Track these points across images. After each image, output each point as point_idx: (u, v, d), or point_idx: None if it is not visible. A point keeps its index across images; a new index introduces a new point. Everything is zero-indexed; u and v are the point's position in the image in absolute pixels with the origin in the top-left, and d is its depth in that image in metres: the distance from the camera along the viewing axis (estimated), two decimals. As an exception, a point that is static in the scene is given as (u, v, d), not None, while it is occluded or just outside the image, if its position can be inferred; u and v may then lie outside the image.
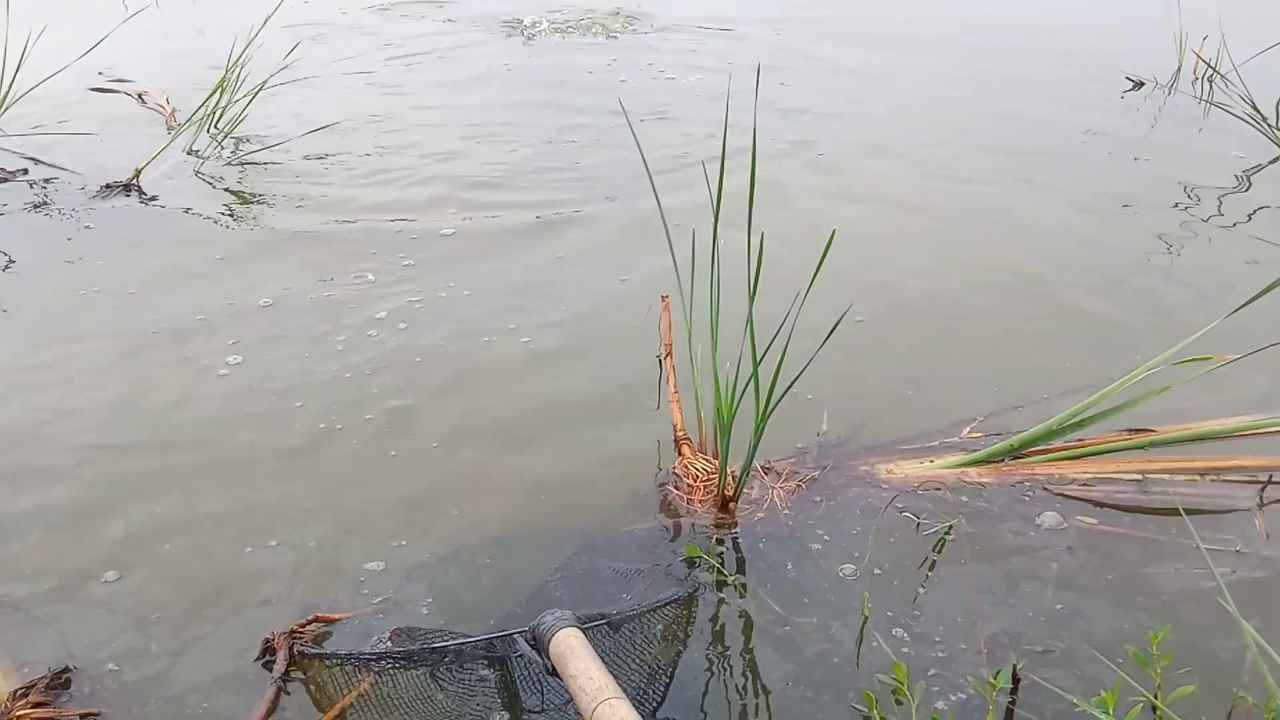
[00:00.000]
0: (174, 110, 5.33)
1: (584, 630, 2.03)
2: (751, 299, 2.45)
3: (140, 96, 5.58)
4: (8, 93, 4.78)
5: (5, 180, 4.62)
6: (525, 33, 7.35)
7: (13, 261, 3.98)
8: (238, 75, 4.96)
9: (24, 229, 4.23)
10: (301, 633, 2.23)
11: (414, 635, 2.15)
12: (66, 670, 2.21)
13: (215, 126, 5.04)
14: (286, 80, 5.49)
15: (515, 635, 2.05)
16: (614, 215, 4.46)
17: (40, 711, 2.10)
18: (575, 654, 1.93)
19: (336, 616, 2.32)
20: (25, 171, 4.71)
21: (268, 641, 2.22)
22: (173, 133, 4.91)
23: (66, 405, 3.14)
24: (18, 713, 2.07)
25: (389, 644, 2.13)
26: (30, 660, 2.24)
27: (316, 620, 2.28)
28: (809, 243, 2.37)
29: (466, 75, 6.53)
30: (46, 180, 4.64)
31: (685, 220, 2.93)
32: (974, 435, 3.02)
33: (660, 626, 2.22)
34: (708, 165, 2.59)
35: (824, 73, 6.68)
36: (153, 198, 4.50)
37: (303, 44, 6.12)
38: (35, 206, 4.41)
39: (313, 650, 2.18)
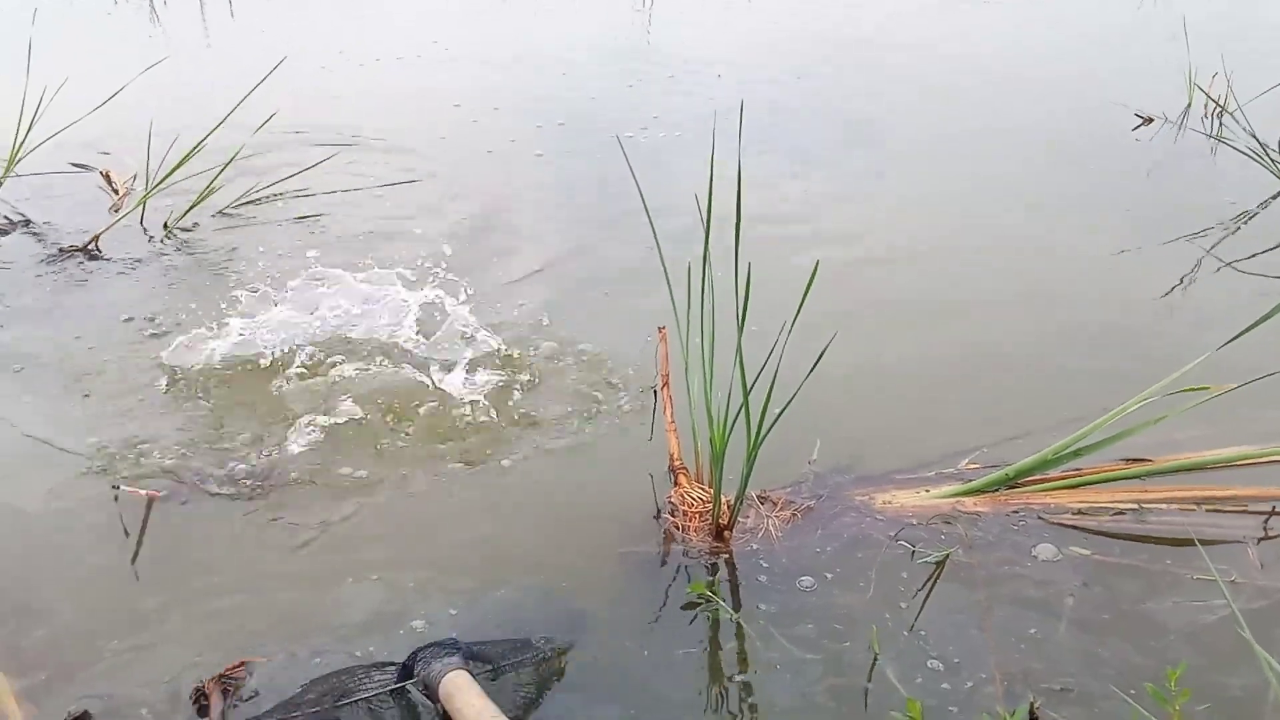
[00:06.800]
0: (126, 195, 5.18)
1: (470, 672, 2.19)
2: (740, 329, 2.48)
3: (106, 176, 5.51)
4: (20, 146, 4.76)
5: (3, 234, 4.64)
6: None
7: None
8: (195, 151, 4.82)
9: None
10: (231, 676, 2.25)
11: (323, 682, 2.20)
12: (86, 714, 2.23)
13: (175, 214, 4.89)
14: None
15: (408, 686, 2.21)
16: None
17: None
18: (461, 690, 2.13)
19: (262, 660, 2.34)
20: (27, 222, 4.74)
21: (198, 689, 2.22)
22: (135, 203, 4.78)
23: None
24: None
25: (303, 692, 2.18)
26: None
27: (243, 664, 2.30)
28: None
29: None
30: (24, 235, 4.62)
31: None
32: (971, 466, 3.03)
33: (528, 678, 2.33)
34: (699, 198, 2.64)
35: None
36: (108, 259, 4.43)
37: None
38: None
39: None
